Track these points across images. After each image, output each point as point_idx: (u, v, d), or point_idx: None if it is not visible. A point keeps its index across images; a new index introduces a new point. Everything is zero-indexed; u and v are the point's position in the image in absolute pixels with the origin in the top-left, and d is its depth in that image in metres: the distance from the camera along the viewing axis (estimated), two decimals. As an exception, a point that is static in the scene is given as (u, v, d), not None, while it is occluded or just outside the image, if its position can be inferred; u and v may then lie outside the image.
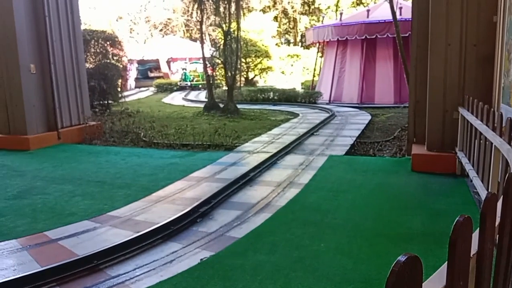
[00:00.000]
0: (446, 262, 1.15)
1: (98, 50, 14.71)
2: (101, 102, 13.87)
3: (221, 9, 14.57)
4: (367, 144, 8.94)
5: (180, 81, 27.71)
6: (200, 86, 26.50)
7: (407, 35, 13.65)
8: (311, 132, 10.06)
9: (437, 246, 3.87)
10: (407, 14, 14.32)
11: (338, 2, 16.20)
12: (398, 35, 9.35)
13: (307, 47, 39.81)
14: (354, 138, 9.20)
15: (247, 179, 6.15)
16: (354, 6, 35.64)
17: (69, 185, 6.18)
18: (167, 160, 7.69)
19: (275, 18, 39.11)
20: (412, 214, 4.75)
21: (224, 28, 14.35)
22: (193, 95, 23.46)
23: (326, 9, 37.89)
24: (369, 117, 12.65)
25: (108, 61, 14.85)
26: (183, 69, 28.25)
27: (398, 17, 11.80)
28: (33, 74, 9.21)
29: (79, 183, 6.29)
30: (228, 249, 3.92)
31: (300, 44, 42.67)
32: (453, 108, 6.30)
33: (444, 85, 6.33)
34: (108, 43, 15.20)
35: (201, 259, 3.71)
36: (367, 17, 16.37)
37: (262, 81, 31.04)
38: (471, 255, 1.27)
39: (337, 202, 5.15)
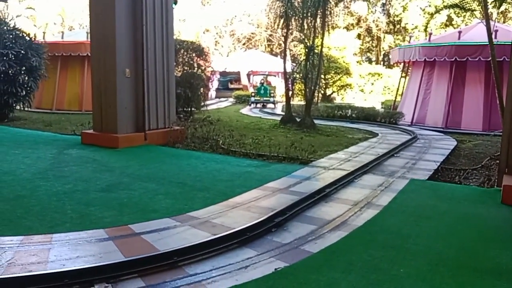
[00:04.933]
0: None
1: (186, 60, 15.43)
2: (185, 109, 14.51)
3: (306, 25, 14.70)
4: (452, 171, 8.45)
5: (253, 94, 24.44)
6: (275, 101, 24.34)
7: (501, 59, 12.87)
8: (391, 153, 9.72)
9: (531, 286, 3.56)
10: (503, 37, 13.47)
11: (428, 22, 15.65)
12: (494, 59, 8.81)
13: (390, 66, 38.81)
14: (438, 163, 8.75)
15: (322, 194, 6.07)
16: (443, 27, 34.22)
17: (152, 184, 6.52)
18: (243, 168, 7.84)
19: (358, 36, 38.64)
20: (501, 248, 4.40)
21: (308, 44, 14.42)
22: (269, 108, 23.66)
23: (412, 29, 36.74)
24: (455, 143, 11.96)
25: (195, 70, 15.51)
26: (261, 82, 25.20)
27: (493, 40, 11.11)
28: (128, 78, 9.89)
29: (162, 183, 6.61)
30: (303, 263, 3.88)
31: (382, 63, 41.74)
32: (554, 139, 5.79)
33: (545, 114, 5.85)
34: (195, 53, 15.90)
35: (275, 269, 3.72)
36: (458, 38, 15.59)
37: (339, 98, 30.70)
38: None
39: (418, 228, 4.91)
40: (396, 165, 8.59)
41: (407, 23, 37.73)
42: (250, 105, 24.63)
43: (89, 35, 16.90)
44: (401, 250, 4.23)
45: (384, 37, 42.16)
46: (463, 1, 10.21)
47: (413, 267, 3.84)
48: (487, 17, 8.83)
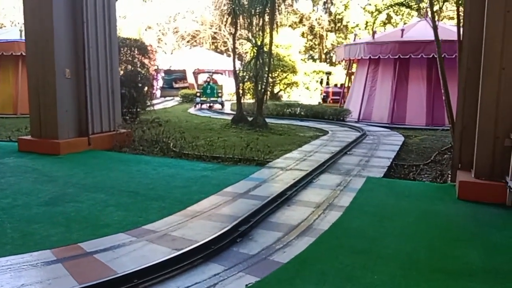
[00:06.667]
0: None
1: (129, 59, 14.74)
2: (130, 110, 13.86)
3: (254, 23, 14.52)
4: (405, 167, 8.59)
5: (199, 94, 22.43)
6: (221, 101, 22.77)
7: (442, 56, 13.34)
8: (344, 151, 9.75)
9: (502, 285, 3.57)
10: (442, 35, 13.95)
11: (375, 21, 16.09)
12: (440, 56, 9.04)
13: (333, 64, 39.70)
14: (391, 160, 8.88)
15: (284, 198, 5.88)
16: (382, 25, 35.42)
17: (101, 194, 6.03)
18: (198, 173, 7.50)
19: (302, 34, 39.14)
20: (466, 247, 4.41)
21: (258, 42, 14.25)
22: (218, 106, 23.11)
23: (353, 27, 37.75)
24: (402, 138, 12.28)
25: (140, 69, 14.86)
26: (207, 81, 23.36)
27: (433, 37, 11.48)
28: (68, 79, 9.21)
29: (111, 192, 6.13)
30: (274, 275, 3.65)
31: (325, 60, 42.58)
32: (505, 135, 5.94)
33: (496, 111, 6.00)
34: (139, 52, 15.21)
35: (246, 285, 3.46)
36: (401, 36, 16.09)
37: (286, 96, 30.96)
38: None
39: (383, 229, 4.84)
40: (351, 163, 8.60)
41: (348, 22, 38.71)
42: (195, 106, 22.87)
43: (22, 33, 15.80)
44: (371, 255, 4.12)
45: (327, 35, 43.01)
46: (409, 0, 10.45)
47: (386, 273, 3.73)
48: (433, 15, 9.07)
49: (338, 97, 22.42)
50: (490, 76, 5.98)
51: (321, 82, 28.33)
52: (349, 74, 22.95)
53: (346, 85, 21.32)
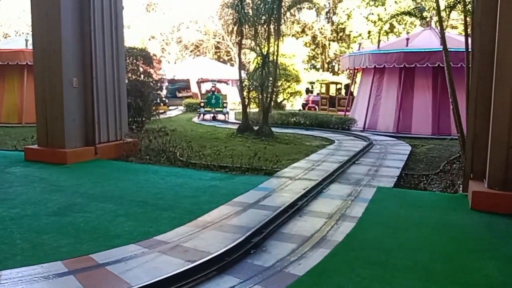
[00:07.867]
0: None
1: (135, 68, 14.73)
2: (136, 119, 13.84)
3: (259, 33, 14.54)
4: (415, 176, 8.51)
5: (203, 104, 21.47)
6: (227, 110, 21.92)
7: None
8: (352, 161, 9.69)
9: (524, 299, 3.48)
10: (447, 44, 13.96)
11: (380, 30, 16.16)
12: (448, 65, 8.98)
13: (335, 73, 39.78)
14: (400, 169, 8.81)
15: (295, 208, 5.81)
16: (385, 35, 35.48)
17: (110, 204, 5.97)
18: (207, 182, 7.44)
19: (305, 44, 39.25)
20: (484, 258, 4.33)
21: (263, 52, 14.26)
22: (221, 116, 22.84)
23: (356, 37, 37.81)
24: (409, 148, 12.20)
25: (145, 79, 14.87)
26: (211, 90, 21.92)
27: (438, 46, 11.51)
28: (75, 88, 9.19)
29: (120, 202, 6.07)
30: (291, 288, 3.58)
31: (328, 70, 42.66)
32: (519, 144, 5.89)
33: (509, 120, 5.93)
34: (145, 61, 15.20)
35: (263, 298, 3.39)
36: (406, 45, 16.09)
37: (289, 105, 30.96)
38: None
39: (398, 240, 4.76)
40: (360, 173, 8.53)
41: (351, 31, 38.80)
42: (198, 116, 22.19)
43: (28, 42, 15.89)
44: (388, 267, 4.04)
45: (329, 45, 43.12)
46: (415, 9, 10.45)
47: (405, 286, 3.65)
48: (441, 24, 9.02)
49: (315, 105, 27.28)
50: (504, 85, 5.92)
51: (307, 91, 31.10)
52: (327, 84, 28.38)
53: (327, 93, 25.17)
